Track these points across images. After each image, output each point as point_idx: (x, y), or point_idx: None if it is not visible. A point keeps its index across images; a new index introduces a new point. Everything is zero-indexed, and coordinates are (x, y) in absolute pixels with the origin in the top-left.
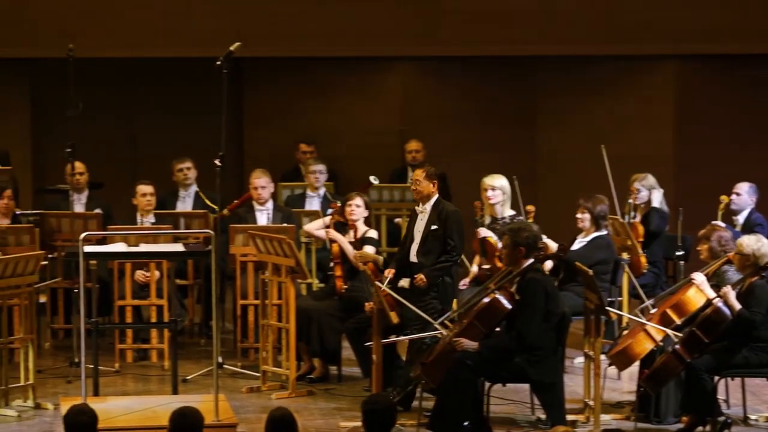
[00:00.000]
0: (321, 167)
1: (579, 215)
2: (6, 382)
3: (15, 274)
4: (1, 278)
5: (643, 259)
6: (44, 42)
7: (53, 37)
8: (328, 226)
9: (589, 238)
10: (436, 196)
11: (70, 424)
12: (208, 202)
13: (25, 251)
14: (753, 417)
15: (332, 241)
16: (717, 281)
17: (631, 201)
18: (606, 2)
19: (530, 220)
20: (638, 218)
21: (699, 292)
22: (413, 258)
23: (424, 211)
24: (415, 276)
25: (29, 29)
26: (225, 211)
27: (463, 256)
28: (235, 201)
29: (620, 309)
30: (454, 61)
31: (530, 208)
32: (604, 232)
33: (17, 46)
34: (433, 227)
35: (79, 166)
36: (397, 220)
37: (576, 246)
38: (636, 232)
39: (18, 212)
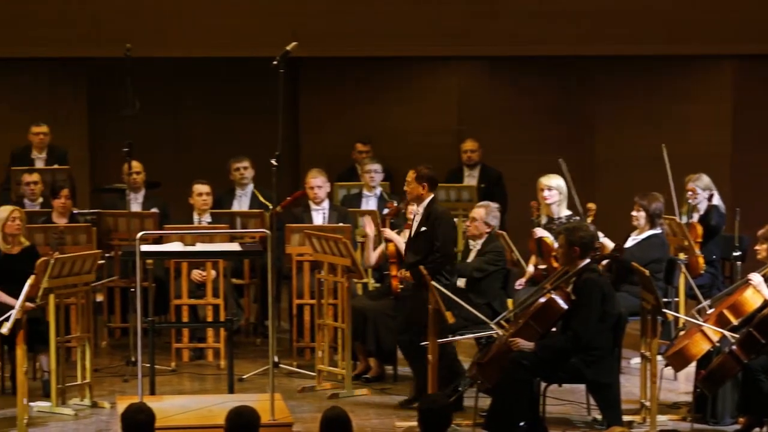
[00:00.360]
0: (376, 167)
1: (634, 213)
2: (63, 381)
3: (72, 273)
4: (59, 277)
5: (700, 260)
6: (101, 42)
7: (110, 36)
8: (384, 226)
9: (643, 236)
10: (429, 198)
11: (128, 422)
12: (263, 200)
13: (82, 250)
14: None
15: (387, 240)
16: None
17: (690, 201)
18: (664, 2)
19: (591, 218)
20: (696, 218)
21: (756, 292)
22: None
23: (418, 212)
24: (399, 272)
25: (87, 29)
26: (278, 208)
27: (519, 256)
28: (288, 198)
29: (677, 310)
30: (510, 61)
31: (591, 205)
32: (658, 231)
33: (75, 46)
34: (423, 228)
35: (135, 165)
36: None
37: (629, 243)
38: (694, 233)
39: (75, 211)
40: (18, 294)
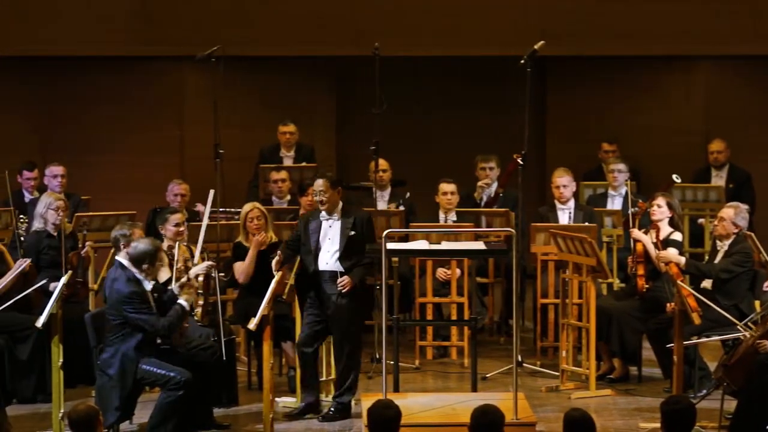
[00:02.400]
0: (621, 166)
1: None
2: None
3: None
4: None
5: None
6: (350, 40)
7: (359, 35)
8: (633, 225)
9: None
10: (341, 203)
11: (375, 417)
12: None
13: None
14: None
15: (636, 240)
16: None
17: None
18: None
19: None
20: None
21: None
22: (331, 266)
23: (331, 218)
24: (340, 281)
25: (336, 28)
26: (500, 190)
27: (767, 258)
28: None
29: None
30: (759, 60)
31: None
32: None
33: (324, 45)
34: (352, 233)
35: (382, 163)
36: (700, 221)
37: None
38: None
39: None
40: (264, 290)
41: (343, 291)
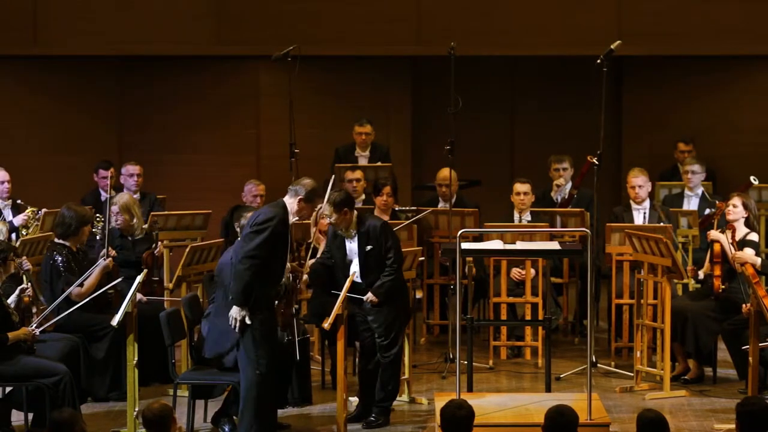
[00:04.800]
0: (696, 167)
1: None
2: None
3: None
4: None
5: None
6: (427, 40)
7: (435, 35)
8: (711, 226)
9: None
10: (355, 217)
11: (448, 417)
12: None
13: (402, 247)
14: None
15: (714, 241)
16: None
17: None
18: None
19: None
20: None
21: None
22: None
23: (350, 234)
24: (364, 298)
25: (413, 27)
26: (574, 191)
27: None
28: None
29: None
30: None
31: None
32: None
33: (401, 44)
34: (369, 247)
35: (447, 176)
36: None
37: None
38: None
39: (396, 208)
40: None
41: (371, 304)
